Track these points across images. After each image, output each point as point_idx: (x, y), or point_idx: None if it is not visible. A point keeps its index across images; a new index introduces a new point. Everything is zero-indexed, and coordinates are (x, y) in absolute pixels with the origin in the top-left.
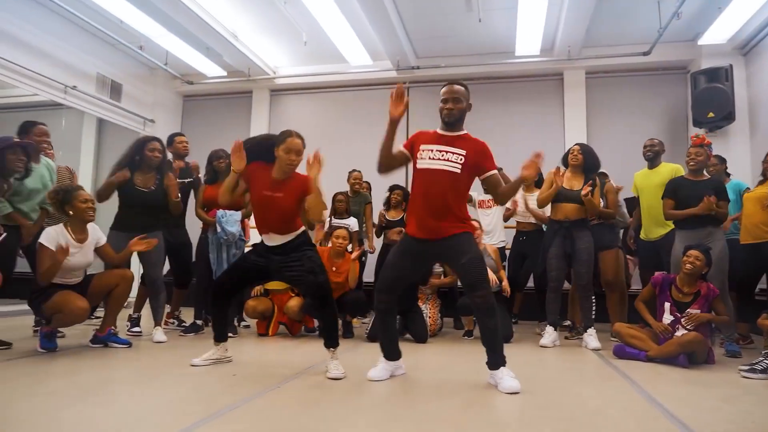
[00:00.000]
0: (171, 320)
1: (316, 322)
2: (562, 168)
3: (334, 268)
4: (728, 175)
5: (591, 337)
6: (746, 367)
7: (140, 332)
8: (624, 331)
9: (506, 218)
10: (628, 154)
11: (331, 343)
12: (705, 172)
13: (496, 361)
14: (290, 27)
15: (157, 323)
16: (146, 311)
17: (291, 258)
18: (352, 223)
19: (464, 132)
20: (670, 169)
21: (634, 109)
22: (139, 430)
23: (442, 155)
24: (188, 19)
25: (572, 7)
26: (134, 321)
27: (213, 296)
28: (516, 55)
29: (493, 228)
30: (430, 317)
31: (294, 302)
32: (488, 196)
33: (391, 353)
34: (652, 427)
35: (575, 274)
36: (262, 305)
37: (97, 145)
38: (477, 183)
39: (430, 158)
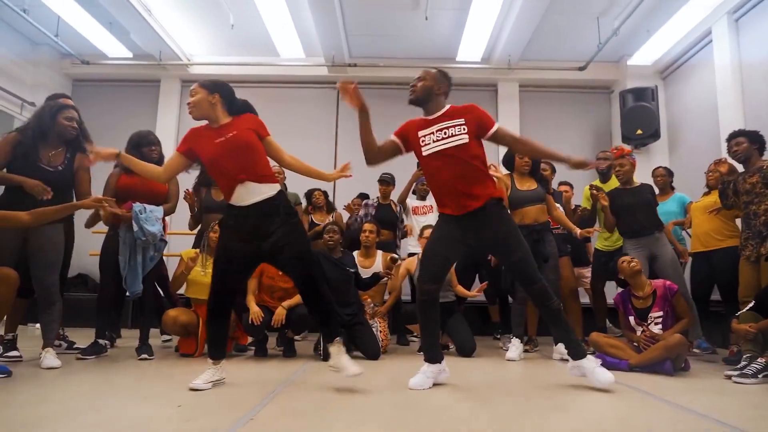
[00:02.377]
0: (56, 342)
1: (249, 339)
2: (504, 170)
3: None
4: (673, 188)
5: (514, 347)
6: (736, 373)
7: (20, 357)
8: (601, 341)
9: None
10: (560, 168)
11: (334, 335)
12: (635, 179)
13: (576, 349)
14: (216, 6)
15: (48, 344)
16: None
17: (280, 234)
18: None
19: (448, 106)
20: None
21: (563, 124)
22: None
23: (445, 133)
24: None
25: (521, 16)
26: (8, 344)
27: (209, 310)
28: (457, 60)
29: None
30: (381, 332)
31: None
32: (423, 203)
33: (434, 355)
34: None
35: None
36: (185, 316)
37: None
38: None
39: (434, 141)
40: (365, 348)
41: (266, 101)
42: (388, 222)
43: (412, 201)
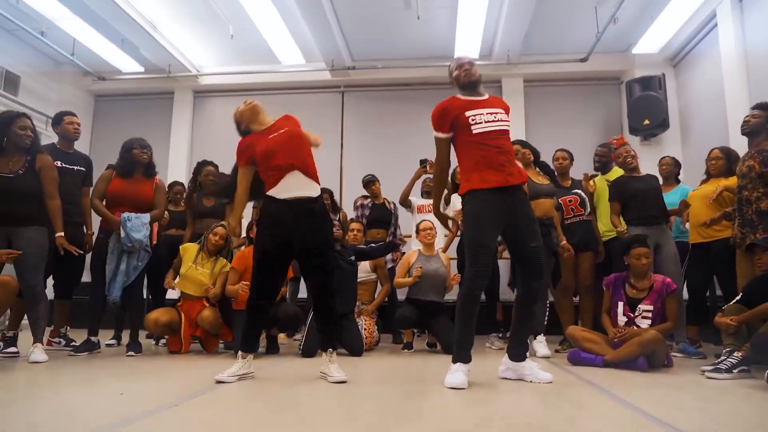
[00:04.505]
0: (56, 339)
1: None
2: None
3: None
4: (678, 180)
5: (541, 344)
6: (710, 368)
7: (17, 353)
8: (578, 334)
9: None
10: None
11: (331, 346)
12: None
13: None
14: (216, 19)
15: (36, 340)
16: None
17: (310, 240)
18: None
19: (487, 94)
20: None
21: (570, 118)
22: None
23: (494, 116)
24: (98, 2)
25: (512, 8)
26: (9, 340)
27: (252, 305)
28: (455, 58)
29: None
30: (365, 329)
31: (208, 312)
32: (429, 201)
33: (468, 355)
34: None
35: None
36: (166, 316)
37: None
38: (417, 188)
39: (486, 121)
40: (348, 343)
41: (271, 108)
42: (382, 221)
43: (417, 200)
